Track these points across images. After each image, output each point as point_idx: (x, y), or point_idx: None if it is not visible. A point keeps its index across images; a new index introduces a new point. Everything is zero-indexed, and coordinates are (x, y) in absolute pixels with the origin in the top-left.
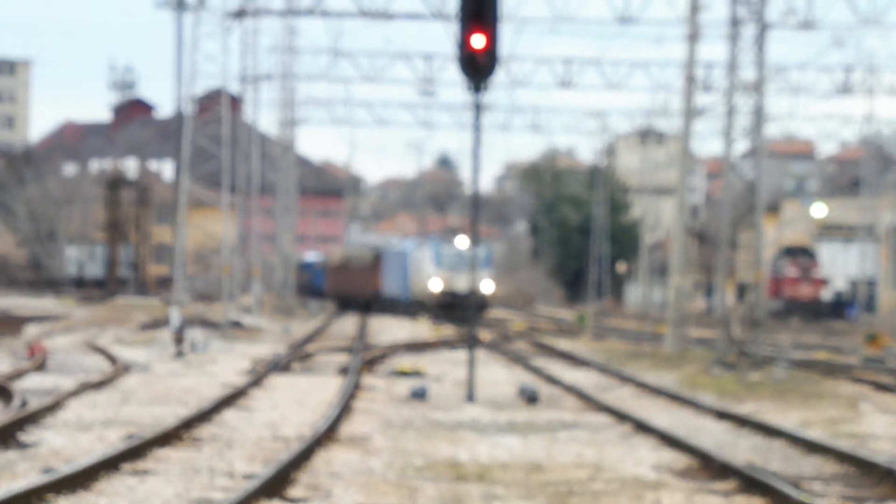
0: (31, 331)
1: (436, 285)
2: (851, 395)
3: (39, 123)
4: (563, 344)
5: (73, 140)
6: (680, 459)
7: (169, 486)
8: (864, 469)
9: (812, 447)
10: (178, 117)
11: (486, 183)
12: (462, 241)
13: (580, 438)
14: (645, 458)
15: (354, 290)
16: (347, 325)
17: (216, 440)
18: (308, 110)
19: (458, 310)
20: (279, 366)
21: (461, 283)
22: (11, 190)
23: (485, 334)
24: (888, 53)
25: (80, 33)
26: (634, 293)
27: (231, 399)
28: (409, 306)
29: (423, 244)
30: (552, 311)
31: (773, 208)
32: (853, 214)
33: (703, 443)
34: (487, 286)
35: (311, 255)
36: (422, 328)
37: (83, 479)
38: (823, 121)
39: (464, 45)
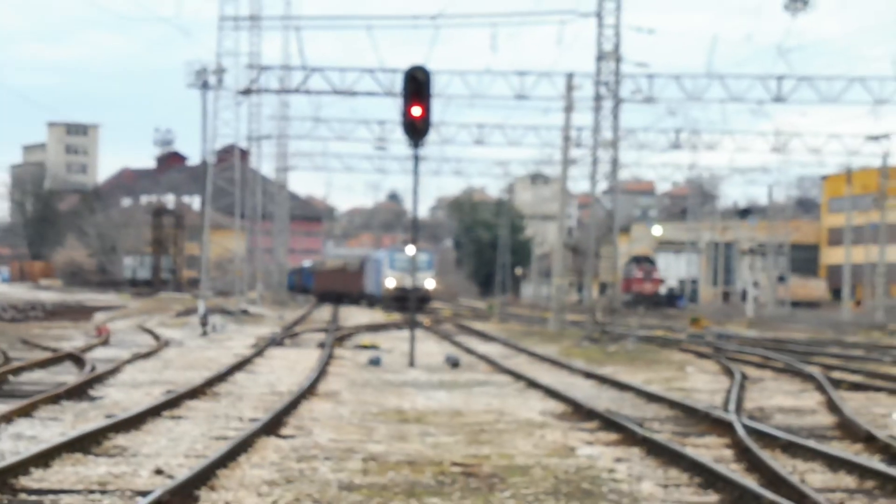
0: (98, 317)
1: (391, 283)
2: (680, 361)
3: (105, 170)
4: (478, 325)
5: (129, 182)
6: (559, 407)
7: (197, 428)
8: (689, 413)
9: (653, 398)
10: (204, 165)
11: (423, 211)
12: (411, 250)
13: (489, 392)
14: (534, 406)
15: (344, 288)
16: (324, 313)
17: (230, 394)
18: (297, 160)
19: (408, 302)
20: (276, 341)
21: (409, 281)
22: (85, 217)
23: (424, 319)
24: (706, 120)
25: (134, 104)
26: (528, 290)
27: (241, 365)
28: (376, 299)
29: (381, 252)
30: (471, 302)
31: (625, 230)
32: (682, 234)
33: (575, 395)
34: (430, 284)
35: (307, 263)
36: (378, 315)
37: (135, 422)
38: (660, 168)
39: (406, 114)
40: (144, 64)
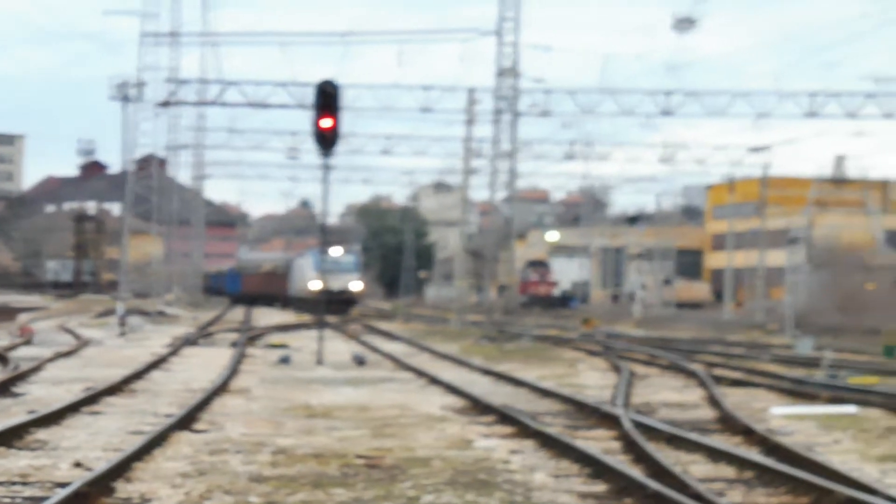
0: (22, 317)
1: (315, 285)
2: (572, 358)
3: (30, 178)
4: (384, 325)
5: (53, 189)
6: (459, 402)
7: (115, 423)
8: (579, 408)
9: (546, 393)
10: (124, 173)
11: (333, 218)
12: (336, 251)
13: (393, 388)
14: (436, 401)
15: (269, 290)
16: (238, 314)
17: (147, 391)
18: (212, 169)
19: (334, 304)
20: (190, 341)
21: (335, 283)
22: (10, 223)
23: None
24: (599, 132)
25: (58, 116)
26: (431, 291)
27: (157, 363)
28: (301, 302)
29: (306, 254)
30: (377, 303)
31: (522, 235)
32: (575, 239)
33: (474, 391)
34: (356, 286)
35: (233, 265)
36: (288, 315)
37: (56, 417)
38: (556, 177)
39: (317, 125)
40: (68, 78)
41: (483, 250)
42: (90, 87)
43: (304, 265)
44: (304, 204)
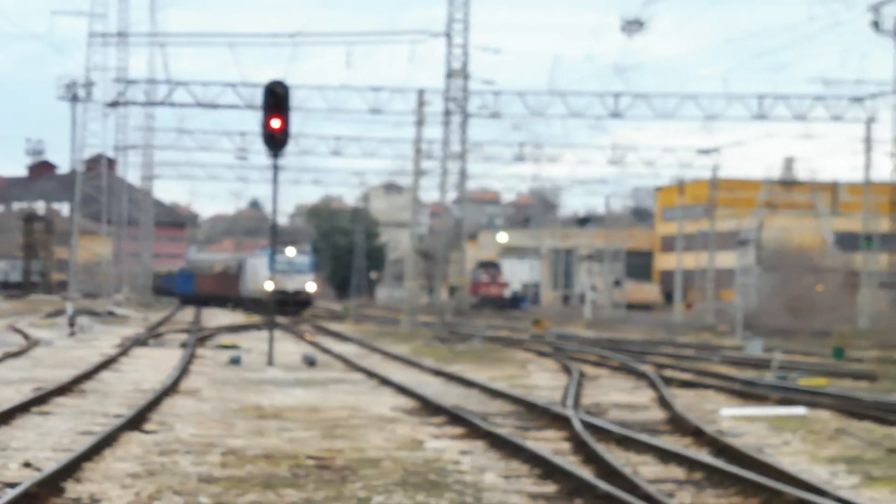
0: None
1: (269, 286)
2: (523, 359)
3: None
4: (335, 326)
5: (1, 189)
6: (409, 403)
7: (64, 423)
8: (530, 408)
9: (497, 394)
10: (73, 173)
11: (283, 218)
12: (291, 251)
13: (344, 389)
14: (387, 402)
15: (222, 291)
16: (188, 314)
17: (97, 392)
18: (162, 169)
19: (288, 305)
20: (140, 341)
21: (290, 284)
22: None
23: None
24: (549, 134)
25: (6, 116)
26: (383, 292)
27: (107, 364)
28: (254, 303)
29: (259, 254)
30: (328, 304)
31: (473, 236)
32: (525, 241)
33: (424, 392)
34: (311, 287)
35: (185, 264)
36: (238, 316)
37: (5, 417)
38: (506, 179)
39: (266, 126)
40: (17, 78)
41: (434, 251)
42: (38, 88)
43: (257, 265)
44: (254, 204)
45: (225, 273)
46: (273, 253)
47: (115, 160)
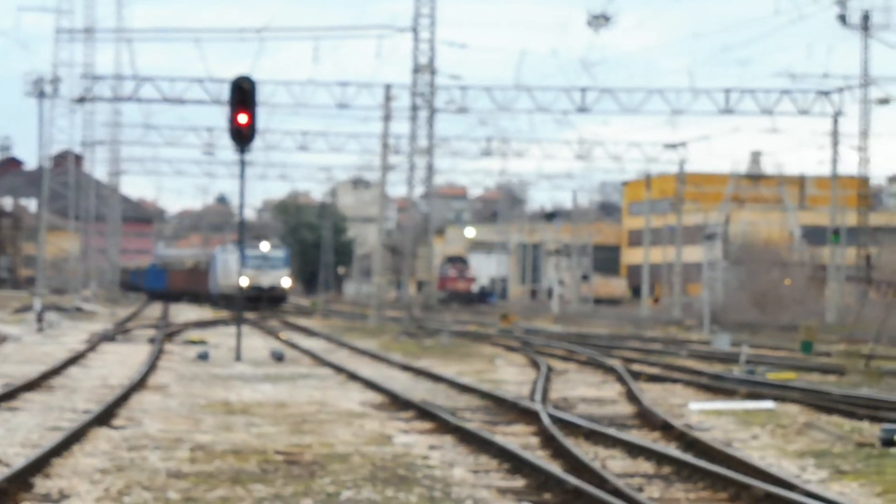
0: None
1: (243, 281)
2: (491, 354)
3: None
4: (302, 322)
5: None
6: (378, 398)
7: (33, 419)
8: (498, 403)
9: (465, 389)
10: (40, 169)
11: (250, 214)
12: (265, 246)
13: (312, 385)
14: (355, 397)
15: (193, 287)
16: (156, 310)
17: (65, 387)
18: (128, 165)
19: (262, 301)
20: (108, 337)
21: (264, 280)
22: None
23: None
24: (515, 129)
25: None
26: (350, 288)
27: (75, 359)
28: (225, 299)
29: (231, 248)
30: (296, 300)
31: (440, 231)
32: (493, 235)
33: (393, 387)
34: (286, 282)
35: (144, 261)
36: (207, 312)
37: None
38: (473, 173)
39: (233, 121)
40: None
41: (401, 246)
42: (5, 84)
43: (229, 260)
44: (221, 200)
45: (196, 269)
46: (243, 248)
47: (82, 156)
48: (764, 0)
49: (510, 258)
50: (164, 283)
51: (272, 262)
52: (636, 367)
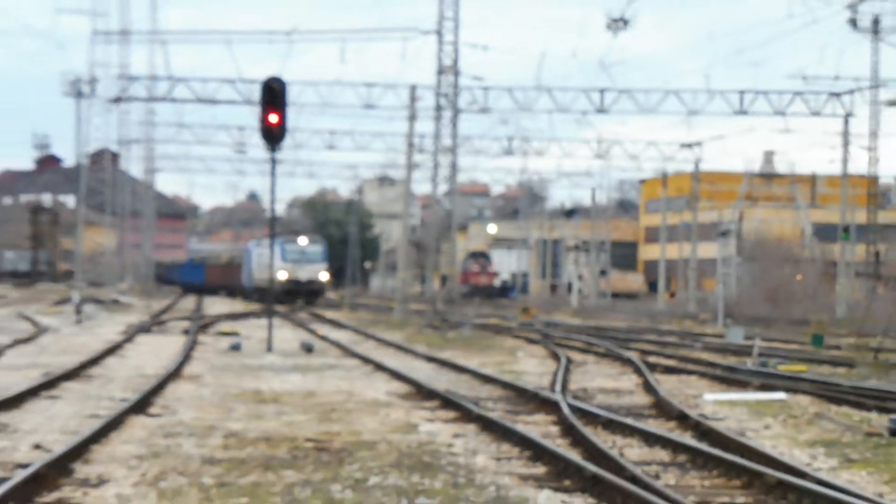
0: None
1: (282, 275)
2: (512, 346)
3: None
4: (331, 314)
5: (9, 182)
6: (403, 388)
7: (71, 407)
8: (519, 393)
9: (487, 379)
10: (78, 167)
11: (280, 210)
12: (303, 240)
13: (339, 375)
14: (381, 387)
15: (230, 280)
16: (189, 303)
17: (102, 377)
18: (162, 162)
19: (301, 294)
20: (143, 328)
21: (302, 273)
22: None
23: (281, 308)
24: (536, 128)
25: (13, 112)
26: (376, 282)
27: (112, 350)
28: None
29: (267, 243)
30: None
31: (463, 228)
32: (513, 232)
33: (417, 377)
34: (324, 276)
35: (195, 255)
36: (238, 304)
37: (15, 401)
38: (494, 171)
39: (264, 120)
40: (22, 74)
41: (425, 242)
42: (44, 84)
43: (265, 254)
44: (252, 196)
45: (231, 263)
46: (277, 243)
47: (118, 154)
48: (778, 4)
49: (531, 254)
50: (202, 276)
51: (310, 256)
52: (652, 360)
